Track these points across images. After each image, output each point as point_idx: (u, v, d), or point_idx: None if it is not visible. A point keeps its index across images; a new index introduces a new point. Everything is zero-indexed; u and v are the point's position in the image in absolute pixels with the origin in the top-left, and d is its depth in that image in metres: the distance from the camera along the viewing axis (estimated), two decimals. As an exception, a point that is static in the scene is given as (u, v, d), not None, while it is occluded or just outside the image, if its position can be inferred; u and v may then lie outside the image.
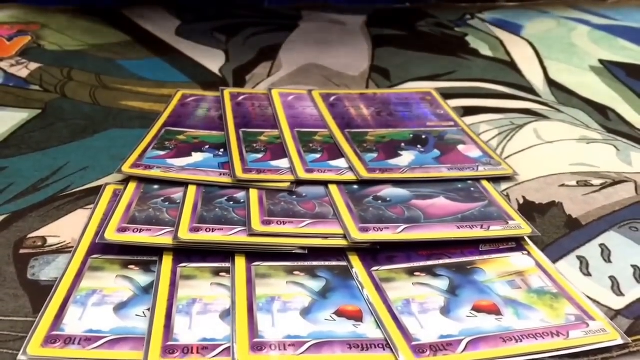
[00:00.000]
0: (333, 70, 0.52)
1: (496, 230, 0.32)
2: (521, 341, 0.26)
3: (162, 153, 0.37)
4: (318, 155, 0.37)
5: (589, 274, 0.31)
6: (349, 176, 0.35)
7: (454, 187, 0.35)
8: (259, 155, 0.37)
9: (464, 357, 0.25)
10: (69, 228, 0.32)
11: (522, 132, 0.43)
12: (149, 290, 0.28)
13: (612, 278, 0.30)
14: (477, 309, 0.27)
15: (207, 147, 0.38)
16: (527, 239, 0.32)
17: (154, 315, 0.26)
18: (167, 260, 0.29)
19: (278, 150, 0.38)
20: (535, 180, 0.37)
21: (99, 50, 0.53)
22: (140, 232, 0.30)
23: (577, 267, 0.31)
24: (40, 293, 0.28)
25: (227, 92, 0.46)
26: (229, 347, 0.25)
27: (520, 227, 0.32)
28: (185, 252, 0.30)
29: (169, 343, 0.25)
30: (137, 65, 0.51)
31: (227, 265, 0.29)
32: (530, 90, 0.50)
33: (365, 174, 0.35)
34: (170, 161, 0.36)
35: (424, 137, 0.40)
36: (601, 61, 0.56)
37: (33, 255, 0.31)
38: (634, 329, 0.27)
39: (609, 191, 0.37)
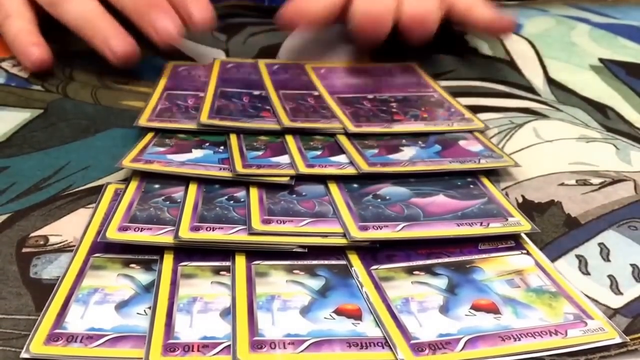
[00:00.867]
0: (333, 69, 0.52)
1: (495, 227, 0.32)
2: (519, 340, 0.26)
3: (162, 149, 0.37)
4: (319, 152, 0.37)
5: (587, 273, 0.31)
6: (350, 170, 0.36)
7: (453, 184, 0.36)
8: (259, 153, 0.37)
9: (462, 356, 0.25)
10: (71, 227, 0.32)
11: (521, 131, 0.43)
12: (150, 288, 0.28)
13: (610, 277, 0.31)
14: (475, 308, 0.28)
15: (207, 144, 0.38)
16: (526, 238, 0.32)
17: (155, 314, 0.26)
18: (168, 259, 0.30)
19: (278, 148, 0.38)
20: (535, 179, 0.38)
21: (100, 50, 0.53)
22: (141, 231, 0.31)
23: (576, 266, 0.31)
24: (42, 291, 0.28)
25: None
26: (229, 345, 0.25)
27: (520, 223, 0.32)
28: (185, 251, 0.30)
29: (170, 341, 0.25)
30: (137, 64, 0.51)
31: (228, 264, 0.29)
32: (529, 89, 0.50)
33: (366, 168, 0.36)
34: (170, 157, 0.36)
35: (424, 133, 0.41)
36: (601, 60, 0.56)
37: (35, 254, 0.31)
38: (632, 328, 0.28)
39: (608, 190, 0.37)
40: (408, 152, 0.38)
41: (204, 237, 0.30)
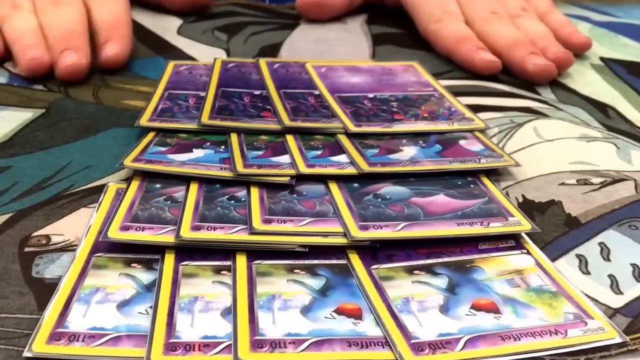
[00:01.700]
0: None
1: (496, 227, 0.32)
2: (519, 339, 0.26)
3: (163, 149, 0.37)
4: (319, 152, 0.37)
5: (588, 273, 0.31)
6: (350, 170, 0.36)
7: (453, 184, 0.36)
8: (260, 152, 0.37)
9: (462, 355, 0.25)
10: (73, 226, 0.33)
11: (522, 131, 0.43)
12: (151, 288, 0.28)
13: (611, 276, 0.31)
14: (476, 308, 0.28)
15: (208, 144, 0.38)
16: (526, 237, 0.32)
17: (156, 313, 0.26)
18: (169, 259, 0.30)
19: (278, 148, 0.38)
20: (535, 179, 0.38)
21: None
22: (142, 230, 0.31)
23: (576, 266, 0.31)
24: (44, 291, 0.28)
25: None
26: (230, 344, 0.25)
27: (520, 223, 0.32)
28: (187, 251, 0.30)
29: (171, 340, 0.25)
30: (139, 64, 0.51)
31: (229, 263, 0.30)
32: (530, 88, 0.50)
33: (366, 167, 0.36)
34: (171, 156, 0.36)
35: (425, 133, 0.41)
36: (602, 58, 0.56)
37: (37, 253, 0.31)
38: (632, 328, 0.28)
39: (608, 189, 0.37)
40: (408, 151, 0.38)
41: (205, 237, 0.30)
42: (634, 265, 0.31)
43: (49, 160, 0.38)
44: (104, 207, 0.33)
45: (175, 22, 0.59)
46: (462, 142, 0.40)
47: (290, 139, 0.39)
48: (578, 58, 0.55)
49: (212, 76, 0.47)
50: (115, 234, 0.30)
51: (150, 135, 0.39)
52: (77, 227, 0.32)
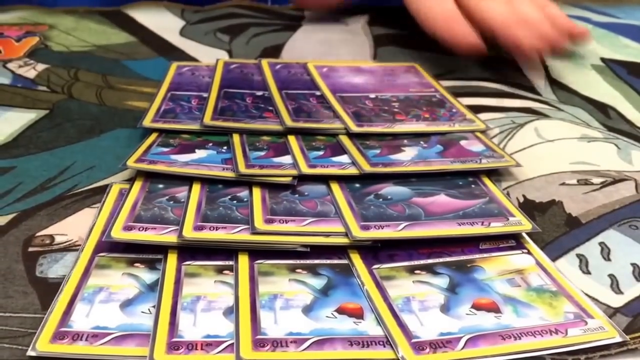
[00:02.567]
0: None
1: (496, 227, 0.32)
2: (520, 339, 0.26)
3: (166, 149, 0.37)
4: (321, 153, 0.38)
5: (588, 272, 0.31)
6: (352, 170, 0.36)
7: (454, 184, 0.36)
8: (262, 153, 0.37)
9: (463, 354, 0.25)
10: (76, 226, 0.33)
11: (522, 131, 0.43)
12: (154, 287, 0.28)
13: (611, 276, 0.31)
14: (476, 307, 0.28)
15: (210, 144, 0.38)
16: (527, 237, 0.32)
17: (159, 312, 0.27)
18: (172, 258, 0.30)
19: (280, 148, 0.38)
20: (536, 179, 0.38)
21: (105, 51, 0.53)
22: (145, 230, 0.31)
23: (577, 266, 0.31)
24: (48, 290, 0.29)
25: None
26: (233, 343, 0.25)
27: (521, 223, 0.32)
28: (189, 250, 0.30)
29: (174, 339, 0.25)
30: (142, 65, 0.51)
31: (231, 263, 0.30)
32: (531, 88, 0.50)
33: (367, 168, 0.36)
34: (174, 157, 0.37)
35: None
36: (603, 59, 0.56)
37: (41, 253, 0.31)
38: (632, 327, 0.28)
39: (609, 189, 0.37)
40: (410, 152, 0.38)
41: (207, 237, 0.30)
42: (634, 265, 0.31)
43: (53, 160, 0.38)
44: (107, 207, 0.34)
45: (178, 23, 0.59)
46: (463, 143, 0.40)
47: (292, 139, 0.39)
48: (579, 59, 0.55)
49: (214, 77, 0.47)
50: (118, 233, 0.30)
51: (153, 136, 0.39)
52: (81, 227, 0.33)
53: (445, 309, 0.28)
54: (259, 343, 0.25)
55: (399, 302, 0.28)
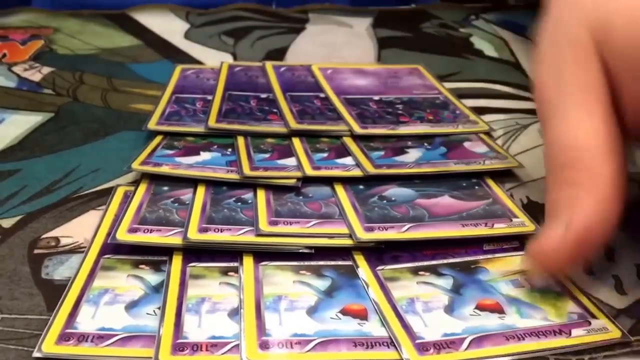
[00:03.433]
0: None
1: (500, 228, 0.32)
2: (524, 339, 0.26)
3: (171, 152, 0.38)
4: (325, 154, 0.38)
5: (592, 273, 0.31)
6: (356, 172, 0.36)
7: (458, 185, 0.36)
8: (266, 155, 0.37)
9: (467, 355, 0.25)
10: (82, 228, 0.33)
11: (526, 132, 0.43)
12: (159, 289, 0.29)
13: (615, 277, 0.31)
14: (480, 308, 0.28)
15: (215, 147, 0.39)
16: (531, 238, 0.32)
17: (164, 314, 0.27)
18: (177, 260, 0.30)
19: (285, 150, 0.38)
20: (540, 180, 0.38)
21: (110, 54, 0.53)
22: (150, 232, 0.31)
23: (581, 266, 0.31)
24: (54, 292, 0.29)
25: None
26: (237, 344, 0.26)
27: (525, 224, 0.32)
28: (194, 252, 0.30)
29: (179, 341, 0.26)
30: (146, 68, 0.51)
31: (235, 264, 0.30)
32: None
33: (371, 170, 0.36)
34: (178, 159, 0.37)
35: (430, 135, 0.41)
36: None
37: (47, 255, 0.31)
38: (636, 328, 0.28)
39: (613, 191, 0.37)
40: (414, 153, 0.38)
41: (212, 239, 0.31)
42: (638, 266, 0.31)
43: (58, 163, 0.39)
44: (112, 209, 0.34)
45: (183, 26, 0.59)
46: (466, 144, 0.40)
47: (296, 141, 0.39)
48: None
49: (219, 80, 0.47)
50: (123, 236, 0.31)
51: (158, 138, 0.39)
52: (86, 229, 0.33)
53: (450, 309, 0.28)
54: (264, 344, 0.25)
55: (403, 303, 0.28)
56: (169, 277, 0.29)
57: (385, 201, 0.34)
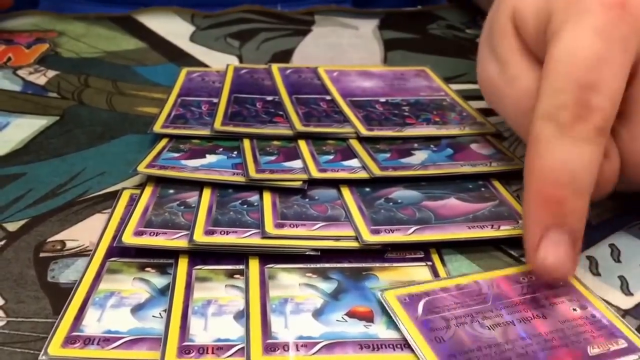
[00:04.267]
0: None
1: (506, 230, 0.32)
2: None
3: (176, 155, 0.38)
4: (331, 157, 0.38)
5: (598, 274, 0.31)
6: (362, 174, 0.36)
7: (465, 187, 0.36)
8: (272, 158, 0.37)
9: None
10: (87, 232, 0.33)
11: (533, 134, 0.43)
12: (165, 292, 0.29)
13: (621, 278, 0.31)
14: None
15: (221, 149, 0.39)
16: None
17: (170, 317, 0.27)
18: (183, 263, 0.30)
19: (291, 153, 0.38)
20: (546, 182, 0.38)
21: (115, 57, 0.54)
22: (156, 235, 0.31)
23: (587, 267, 0.31)
24: (60, 295, 0.29)
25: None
26: (243, 347, 0.25)
27: (531, 226, 0.32)
28: (200, 255, 0.30)
29: (185, 343, 0.26)
30: (152, 71, 0.52)
31: (241, 267, 0.30)
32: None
33: (378, 172, 0.36)
34: (184, 162, 0.37)
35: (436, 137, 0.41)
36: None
37: (53, 258, 0.31)
38: (643, 329, 0.28)
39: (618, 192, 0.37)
40: (420, 155, 0.38)
41: (218, 241, 0.31)
42: (645, 267, 0.31)
43: (64, 166, 0.39)
44: (118, 212, 0.34)
45: (188, 29, 0.60)
46: (473, 146, 0.40)
47: (302, 144, 0.39)
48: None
49: (224, 82, 0.47)
50: (129, 239, 0.31)
51: (164, 141, 0.39)
52: (92, 232, 0.33)
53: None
54: (270, 347, 0.25)
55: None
56: (174, 280, 0.29)
57: (391, 203, 0.34)
